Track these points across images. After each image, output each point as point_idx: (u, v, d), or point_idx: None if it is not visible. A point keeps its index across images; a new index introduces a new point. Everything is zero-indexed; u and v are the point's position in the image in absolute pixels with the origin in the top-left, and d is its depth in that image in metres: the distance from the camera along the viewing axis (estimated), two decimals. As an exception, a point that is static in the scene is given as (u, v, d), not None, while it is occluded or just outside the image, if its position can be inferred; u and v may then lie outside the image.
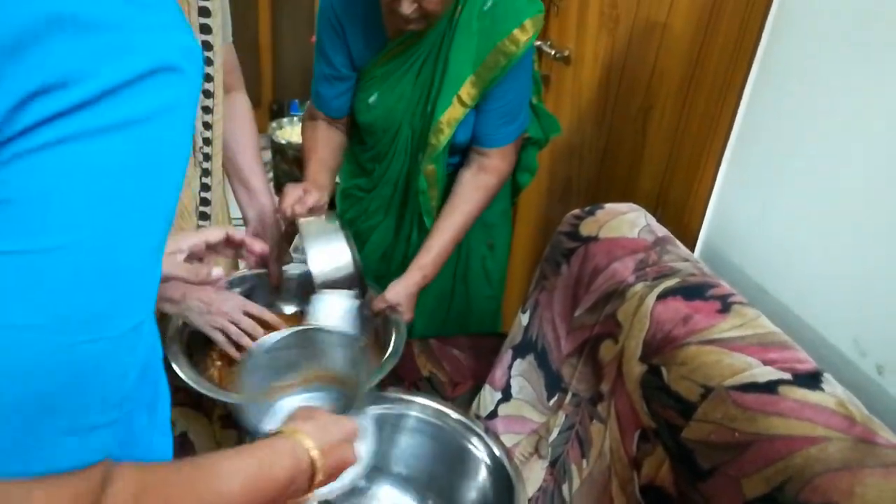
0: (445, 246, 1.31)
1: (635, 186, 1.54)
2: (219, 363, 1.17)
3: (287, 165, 2.70)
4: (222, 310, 1.11)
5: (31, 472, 0.38)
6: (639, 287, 0.99)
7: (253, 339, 1.11)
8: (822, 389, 0.75)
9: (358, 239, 1.46)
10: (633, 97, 1.54)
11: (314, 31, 3.19)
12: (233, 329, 1.10)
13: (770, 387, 0.76)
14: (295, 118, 2.79)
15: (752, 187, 1.08)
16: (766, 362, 0.79)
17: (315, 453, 0.66)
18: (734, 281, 1.03)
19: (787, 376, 0.77)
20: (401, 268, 1.51)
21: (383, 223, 1.49)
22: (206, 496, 0.53)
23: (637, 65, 1.51)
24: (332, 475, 0.72)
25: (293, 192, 1.19)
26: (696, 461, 0.79)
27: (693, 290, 0.94)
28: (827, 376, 0.78)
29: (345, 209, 1.54)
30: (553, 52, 1.79)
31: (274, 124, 2.79)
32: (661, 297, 0.95)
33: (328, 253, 1.10)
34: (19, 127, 0.36)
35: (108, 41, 0.37)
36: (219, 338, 1.11)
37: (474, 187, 1.33)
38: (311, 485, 0.67)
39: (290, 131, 2.71)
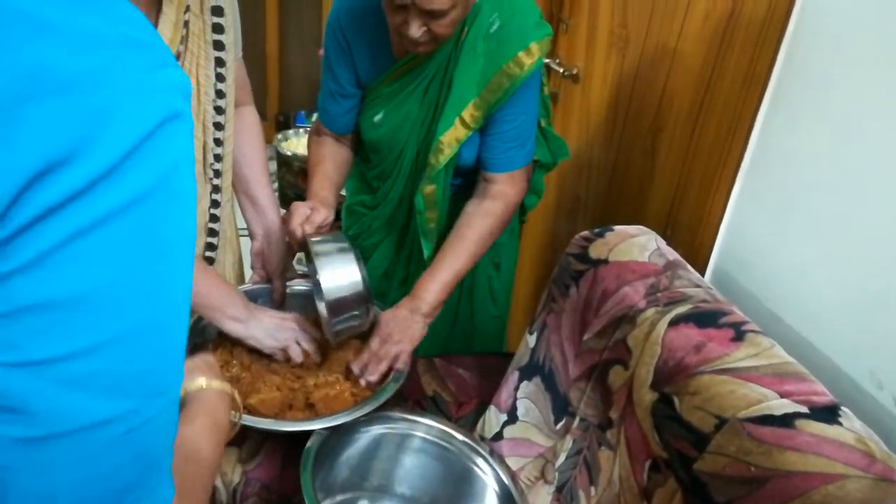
0: (448, 279, 1.25)
1: (645, 206, 1.53)
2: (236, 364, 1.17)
3: (292, 177, 2.69)
4: (287, 336, 1.17)
5: None
6: (650, 312, 0.98)
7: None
8: (840, 424, 0.74)
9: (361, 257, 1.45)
10: (643, 117, 1.53)
11: (321, 43, 3.20)
12: (295, 350, 1.17)
13: (786, 420, 0.75)
14: (301, 130, 2.79)
15: (764, 212, 1.07)
16: (782, 394, 0.78)
17: (229, 389, 0.77)
18: (746, 306, 1.02)
19: (804, 409, 0.76)
20: (402, 285, 1.50)
21: (385, 241, 1.48)
22: (189, 458, 0.60)
23: (647, 86, 1.50)
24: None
25: (300, 210, 1.18)
26: (711, 495, 0.78)
27: (706, 317, 0.92)
28: (844, 410, 0.76)
29: (349, 225, 1.53)
30: (562, 70, 1.79)
31: (280, 136, 2.78)
32: (673, 323, 0.93)
33: (340, 273, 1.09)
34: (24, 218, 0.30)
35: (108, 97, 0.32)
36: (280, 356, 1.18)
37: (478, 215, 1.28)
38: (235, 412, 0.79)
39: (295, 143, 2.70)
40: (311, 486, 0.95)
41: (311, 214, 1.18)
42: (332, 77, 1.31)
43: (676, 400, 0.86)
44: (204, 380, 0.75)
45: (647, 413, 0.91)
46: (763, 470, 0.73)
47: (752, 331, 0.89)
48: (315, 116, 1.46)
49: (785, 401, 0.77)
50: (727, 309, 0.94)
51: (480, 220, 1.29)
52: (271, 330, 1.16)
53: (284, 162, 2.71)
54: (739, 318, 0.92)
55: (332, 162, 1.37)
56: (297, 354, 1.17)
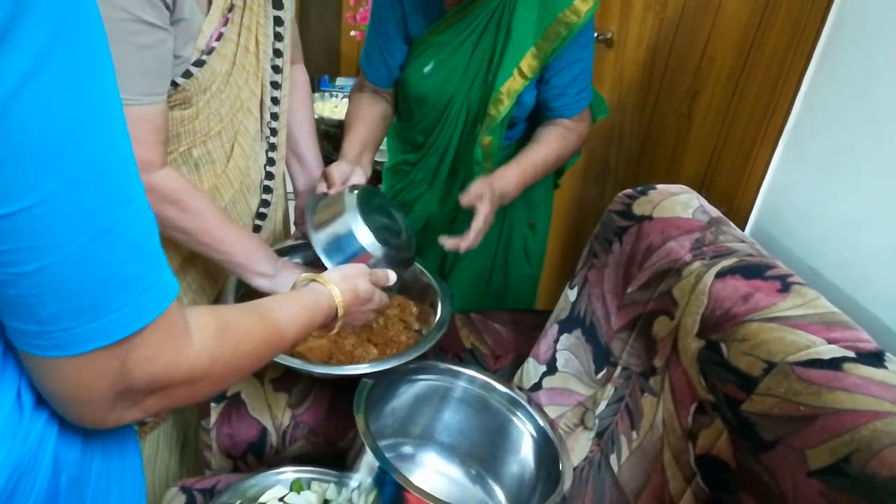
0: (525, 168, 1.28)
1: (678, 170, 1.55)
2: None
3: (319, 139, 2.72)
4: None
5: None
6: (696, 265, 1.01)
7: None
8: (885, 367, 0.77)
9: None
10: (679, 81, 1.55)
11: (341, 10, 3.18)
12: None
13: (834, 363, 0.79)
14: (326, 94, 2.80)
15: (809, 173, 1.09)
16: (829, 340, 0.82)
17: (339, 300, 0.87)
18: (787, 264, 1.05)
19: (851, 354, 0.79)
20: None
21: (427, 194, 1.50)
22: (270, 336, 0.67)
23: (685, 48, 1.51)
24: (351, 323, 1.00)
25: (341, 169, 1.21)
26: (758, 433, 0.82)
27: (752, 270, 0.96)
28: (889, 356, 0.80)
29: (392, 184, 1.56)
30: (595, 35, 1.80)
31: (306, 99, 2.80)
32: (720, 275, 0.97)
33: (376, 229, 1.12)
34: None
35: None
36: None
37: (554, 135, 1.33)
38: (333, 324, 0.89)
39: (321, 106, 2.72)
40: (366, 426, 0.99)
41: (351, 174, 1.22)
42: (381, 29, 1.33)
43: (724, 346, 0.90)
44: (328, 280, 0.88)
45: (693, 360, 0.95)
46: (812, 408, 0.77)
47: (798, 283, 0.92)
48: (359, 75, 1.47)
49: (833, 346, 0.81)
50: (772, 262, 0.98)
51: (553, 140, 1.33)
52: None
53: (310, 124, 2.73)
54: (785, 271, 0.95)
55: (365, 121, 1.38)
56: None
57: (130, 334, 0.47)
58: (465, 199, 1.19)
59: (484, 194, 1.19)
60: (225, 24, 1.08)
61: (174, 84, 1.03)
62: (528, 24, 1.22)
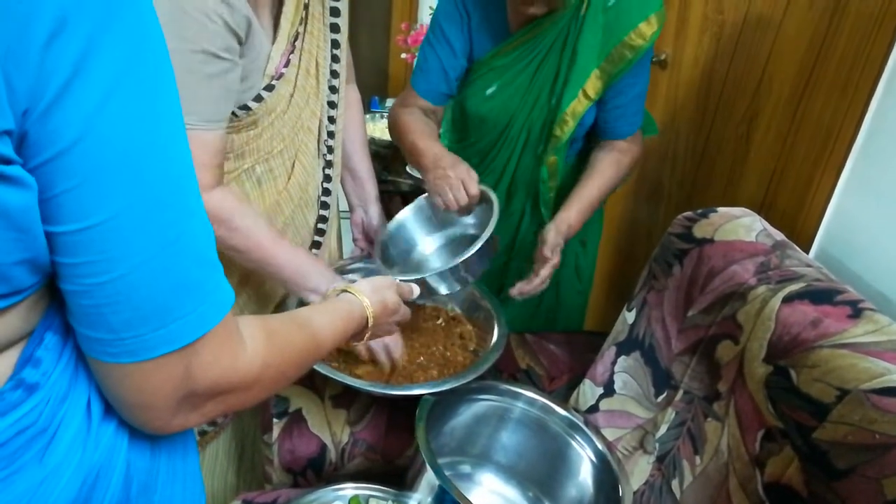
0: (585, 208, 1.33)
1: (735, 192, 1.54)
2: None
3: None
4: None
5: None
6: (761, 290, 1.00)
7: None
8: (966, 397, 0.76)
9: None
10: (737, 103, 1.54)
11: (390, 30, 3.24)
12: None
13: (911, 392, 0.77)
14: (377, 115, 2.85)
15: (876, 197, 1.08)
16: (905, 368, 0.80)
17: (371, 311, 0.89)
18: (855, 289, 1.03)
19: (929, 383, 0.78)
20: (502, 257, 1.54)
21: None
22: (309, 344, 0.70)
23: (743, 69, 1.51)
24: (377, 334, 0.99)
25: (461, 177, 1.23)
26: (831, 461, 0.80)
27: (821, 295, 0.94)
28: (969, 385, 0.78)
29: None
30: (650, 56, 1.80)
31: (355, 120, 2.84)
32: (787, 300, 0.96)
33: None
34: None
35: None
36: None
37: (610, 161, 1.36)
38: (363, 334, 0.91)
39: (371, 127, 2.77)
40: (427, 445, 1.01)
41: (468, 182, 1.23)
42: (446, 45, 1.33)
43: (793, 372, 0.89)
44: (360, 291, 0.90)
45: (760, 385, 0.94)
46: (888, 437, 0.76)
47: (869, 308, 0.91)
48: (403, 93, 1.47)
49: (909, 374, 0.79)
50: (841, 287, 0.96)
51: (612, 166, 1.36)
52: None
53: (360, 145, 2.77)
54: (855, 297, 0.94)
55: (432, 129, 1.39)
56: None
57: (195, 339, 0.49)
58: (547, 252, 1.26)
59: (558, 247, 1.27)
60: (292, 51, 1.12)
61: (246, 108, 1.08)
62: (592, 45, 1.24)
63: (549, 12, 1.22)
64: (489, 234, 1.15)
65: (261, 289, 1.30)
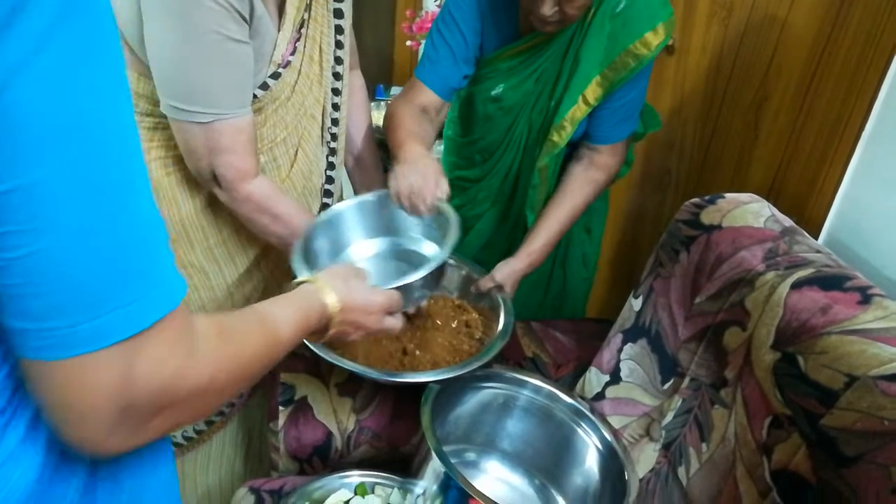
0: (553, 236, 1.34)
1: (744, 179, 1.53)
2: None
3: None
4: None
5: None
6: (770, 276, 1.00)
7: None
8: (977, 383, 0.75)
9: (462, 226, 1.48)
10: (744, 91, 1.52)
11: (395, 19, 3.21)
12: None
13: (921, 378, 0.77)
14: (382, 103, 2.84)
15: (885, 184, 1.07)
16: (915, 354, 0.79)
17: (335, 309, 0.81)
18: (864, 275, 1.02)
19: (939, 369, 0.77)
20: (502, 256, 1.54)
21: (489, 212, 1.52)
22: (268, 338, 0.64)
23: (751, 58, 1.49)
24: (344, 332, 0.86)
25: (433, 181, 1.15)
26: (839, 448, 0.80)
27: (830, 281, 0.94)
28: (979, 371, 0.77)
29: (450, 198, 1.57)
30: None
31: (360, 108, 2.84)
32: (796, 286, 0.95)
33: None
34: None
35: None
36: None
37: (584, 181, 1.34)
38: (323, 334, 0.83)
39: (377, 116, 2.76)
40: (432, 432, 1.00)
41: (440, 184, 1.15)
42: (460, 38, 1.30)
43: (801, 359, 0.88)
44: (312, 279, 0.83)
45: (768, 372, 0.93)
46: (897, 424, 0.75)
47: (879, 294, 0.90)
48: (406, 86, 1.43)
49: (919, 360, 0.79)
50: (851, 274, 0.95)
51: (585, 188, 1.34)
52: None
53: (366, 134, 2.76)
54: (864, 283, 0.93)
55: (424, 130, 1.31)
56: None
57: (132, 335, 0.43)
58: (484, 288, 1.26)
59: (505, 284, 1.27)
60: (298, 38, 1.12)
61: (252, 96, 1.07)
62: (596, 52, 1.21)
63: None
64: (443, 258, 1.03)
65: (280, 267, 1.30)
